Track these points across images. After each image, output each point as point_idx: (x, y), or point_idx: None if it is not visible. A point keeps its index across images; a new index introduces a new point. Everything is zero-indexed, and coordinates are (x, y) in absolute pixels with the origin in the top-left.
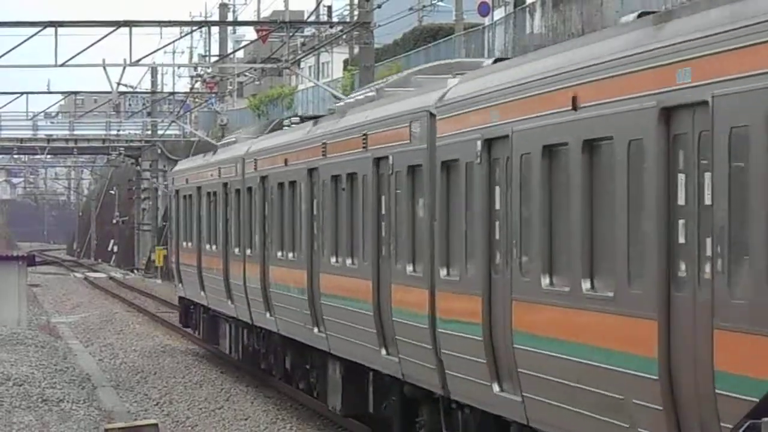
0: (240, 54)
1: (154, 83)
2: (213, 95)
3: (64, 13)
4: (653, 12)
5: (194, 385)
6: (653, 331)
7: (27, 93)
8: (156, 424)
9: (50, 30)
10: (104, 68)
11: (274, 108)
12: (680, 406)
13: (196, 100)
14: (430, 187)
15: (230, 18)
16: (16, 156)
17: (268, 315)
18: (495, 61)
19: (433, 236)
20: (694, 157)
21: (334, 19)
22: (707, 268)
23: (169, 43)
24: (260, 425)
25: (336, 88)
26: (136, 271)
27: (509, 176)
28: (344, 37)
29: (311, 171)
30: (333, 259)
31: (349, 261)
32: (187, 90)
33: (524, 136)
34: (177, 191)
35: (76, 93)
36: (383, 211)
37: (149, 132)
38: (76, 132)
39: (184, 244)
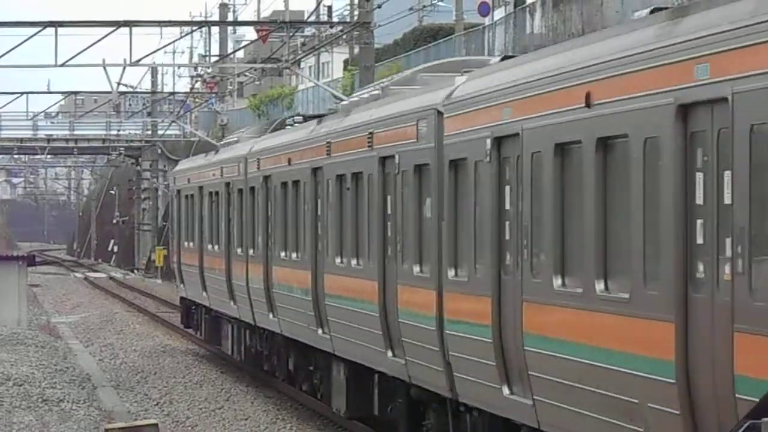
0: (240, 54)
1: (154, 83)
2: (213, 95)
3: (64, 13)
4: (667, 7)
5: (194, 385)
6: (670, 334)
7: (27, 93)
8: (156, 424)
9: (50, 30)
10: (104, 68)
11: (274, 108)
12: (698, 411)
13: (196, 100)
14: (438, 187)
15: (230, 18)
16: (16, 156)
17: (271, 316)
18: (503, 59)
19: (441, 236)
20: (712, 155)
21: (334, 19)
22: (727, 269)
23: (169, 43)
24: (260, 425)
25: (336, 88)
26: (136, 271)
27: (520, 175)
28: (344, 37)
29: (315, 170)
30: (338, 260)
31: (354, 261)
32: (187, 90)
33: (536, 134)
34: (178, 191)
35: (76, 93)
36: (389, 211)
37: (149, 132)
38: (76, 132)
39: (186, 244)
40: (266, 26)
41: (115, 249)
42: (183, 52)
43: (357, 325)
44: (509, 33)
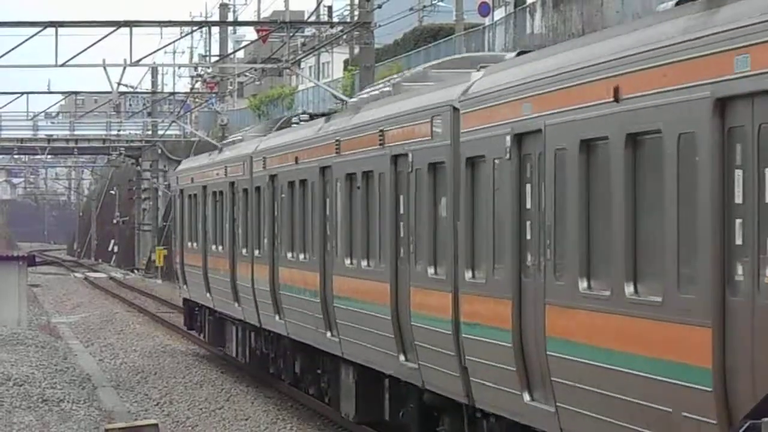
0: (240, 54)
1: (154, 83)
2: (213, 95)
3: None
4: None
5: (194, 385)
6: (707, 339)
7: (27, 93)
8: (156, 424)
9: (50, 30)
10: (104, 68)
11: (275, 108)
12: (736, 420)
13: (197, 100)
14: (454, 185)
15: (230, 18)
16: (16, 156)
17: (277, 318)
18: (518, 54)
19: (457, 237)
20: (752, 152)
21: (335, 20)
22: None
23: (170, 43)
24: (260, 425)
25: (336, 89)
26: (136, 271)
27: (542, 172)
28: (344, 37)
29: (324, 169)
30: (347, 261)
31: (364, 263)
32: (188, 90)
33: (559, 130)
34: (181, 191)
35: (76, 93)
36: (401, 211)
37: (149, 132)
38: (76, 132)
39: (189, 244)
40: (266, 26)
41: (116, 249)
42: (183, 52)
43: (367, 328)
44: (509, 33)
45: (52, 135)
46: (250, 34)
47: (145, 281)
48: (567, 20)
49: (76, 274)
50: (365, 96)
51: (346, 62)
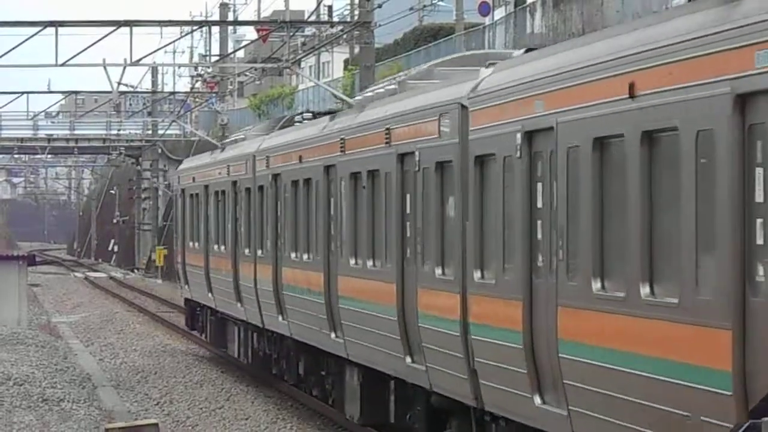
0: (240, 54)
1: (154, 83)
2: (213, 95)
3: (64, 13)
4: None
5: (195, 385)
6: (726, 341)
7: (27, 93)
8: (156, 424)
9: (50, 30)
10: (104, 68)
11: (275, 108)
12: None
13: (197, 99)
14: (462, 184)
15: (230, 18)
16: (16, 156)
17: (280, 318)
18: (526, 51)
19: (465, 237)
20: None
21: (335, 19)
22: None
23: (170, 43)
24: (260, 425)
25: (336, 88)
26: (136, 271)
27: (554, 170)
28: (345, 36)
29: (328, 168)
30: (352, 261)
31: (370, 263)
32: (188, 90)
33: (571, 128)
34: (183, 190)
35: (76, 93)
36: (408, 210)
37: (150, 132)
38: (76, 132)
39: (191, 244)
40: (266, 26)
41: (116, 249)
42: (183, 52)
43: (373, 329)
44: (509, 33)
45: (52, 135)
46: (250, 33)
47: (145, 281)
48: (567, 20)
49: (76, 274)
50: (370, 94)
51: (346, 62)
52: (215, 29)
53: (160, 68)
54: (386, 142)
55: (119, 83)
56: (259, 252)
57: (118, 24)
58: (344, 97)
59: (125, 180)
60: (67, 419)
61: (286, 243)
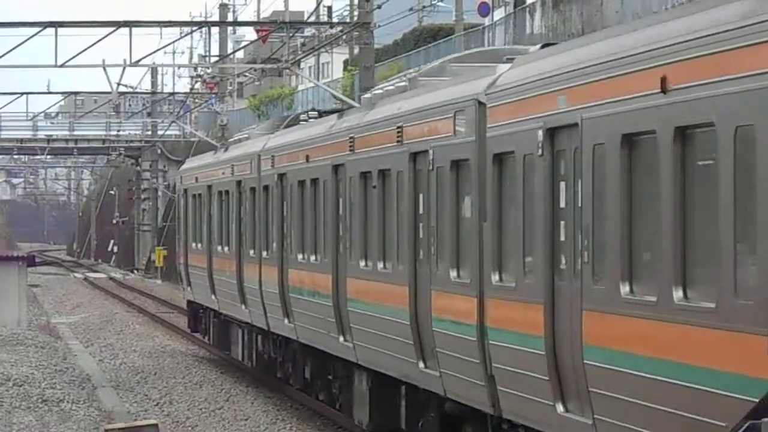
0: (240, 54)
1: (154, 83)
2: (213, 95)
3: (64, 14)
4: None
5: (194, 386)
6: (767, 348)
7: (27, 93)
8: (156, 425)
9: (50, 30)
10: (104, 68)
11: (274, 108)
12: None
13: (196, 100)
14: (480, 183)
15: (230, 18)
16: (16, 156)
17: (286, 321)
18: (543, 47)
19: (483, 238)
20: None
21: (334, 20)
22: None
23: (169, 44)
24: (260, 425)
25: (336, 89)
26: (136, 272)
27: (578, 169)
28: (344, 37)
29: (336, 167)
30: (362, 263)
31: (380, 265)
32: (187, 90)
33: (597, 124)
34: (185, 190)
35: (76, 93)
36: (421, 211)
37: (149, 132)
38: (76, 132)
39: (193, 245)
40: (266, 26)
41: (115, 249)
42: (183, 53)
43: (384, 333)
44: (509, 33)
45: (51, 135)
46: (249, 34)
47: (145, 281)
48: (567, 20)
49: (76, 275)
50: (379, 92)
51: (345, 62)
52: (215, 30)
53: (159, 69)
54: (398, 141)
55: (119, 84)
56: (265, 253)
57: (118, 24)
58: (344, 98)
59: (125, 180)
60: (67, 420)
61: (293, 244)
